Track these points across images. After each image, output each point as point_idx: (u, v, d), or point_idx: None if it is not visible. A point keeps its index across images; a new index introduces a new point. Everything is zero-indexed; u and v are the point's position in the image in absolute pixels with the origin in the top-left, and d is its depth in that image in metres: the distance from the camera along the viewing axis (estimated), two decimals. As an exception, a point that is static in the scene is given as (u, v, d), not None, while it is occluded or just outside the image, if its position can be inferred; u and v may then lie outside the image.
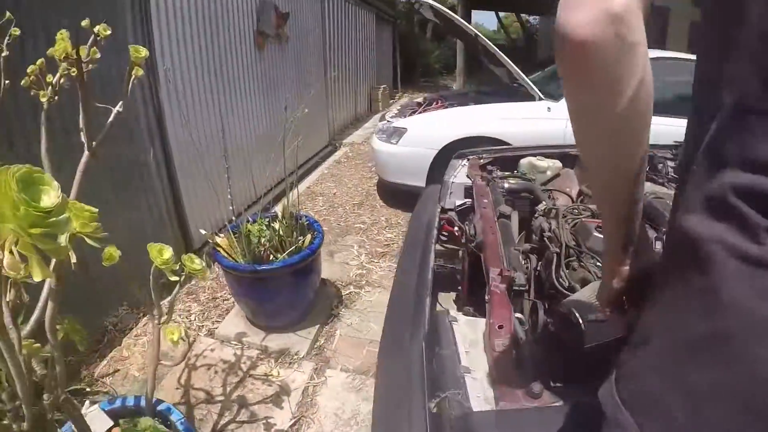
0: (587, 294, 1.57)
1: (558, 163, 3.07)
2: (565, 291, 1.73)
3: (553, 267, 1.84)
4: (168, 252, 1.35)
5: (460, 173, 2.80)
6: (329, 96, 7.58)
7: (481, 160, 2.94)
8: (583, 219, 2.20)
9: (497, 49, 4.70)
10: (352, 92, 9.34)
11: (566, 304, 1.57)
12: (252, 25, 4.55)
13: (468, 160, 2.96)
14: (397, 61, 14.23)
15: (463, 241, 2.26)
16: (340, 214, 4.79)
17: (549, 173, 3.04)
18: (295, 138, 3.09)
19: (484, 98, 4.94)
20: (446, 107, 4.89)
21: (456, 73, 14.46)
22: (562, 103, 4.59)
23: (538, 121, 4.50)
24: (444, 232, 2.55)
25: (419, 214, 2.66)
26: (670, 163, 3.25)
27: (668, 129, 4.88)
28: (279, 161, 3.10)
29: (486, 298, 1.54)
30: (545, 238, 2.06)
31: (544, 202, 2.38)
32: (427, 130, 4.49)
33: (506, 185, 2.52)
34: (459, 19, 4.75)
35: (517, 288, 1.62)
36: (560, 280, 1.83)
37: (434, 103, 5.16)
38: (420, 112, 4.85)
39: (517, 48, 20.91)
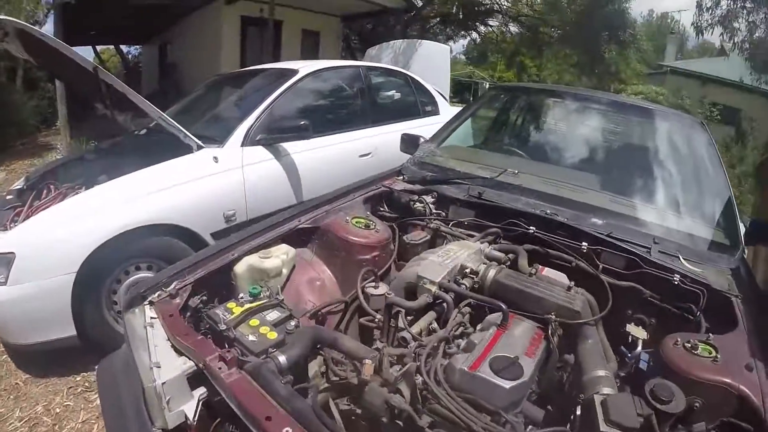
0: None
1: (290, 251, 1.95)
2: None
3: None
4: None
5: (159, 348, 1.42)
6: None
7: (177, 299, 1.60)
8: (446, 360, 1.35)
9: (127, 87, 3.18)
10: None
11: None
12: None
13: (154, 305, 1.58)
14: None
15: None
16: (-28, 427, 2.64)
17: (285, 271, 1.90)
18: None
19: (117, 163, 3.31)
20: (65, 195, 3.14)
21: (59, 127, 11.63)
22: (230, 146, 3.44)
23: (207, 180, 3.21)
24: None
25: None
26: (429, 198, 2.40)
27: (341, 147, 4.19)
28: None
29: None
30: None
31: (369, 361, 1.28)
32: (50, 244, 2.67)
33: (281, 360, 1.30)
34: (69, 48, 3.02)
35: None
36: None
37: (44, 191, 3.25)
38: (28, 215, 2.94)
39: (121, 83, 18.53)
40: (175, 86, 12.52)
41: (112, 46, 20.82)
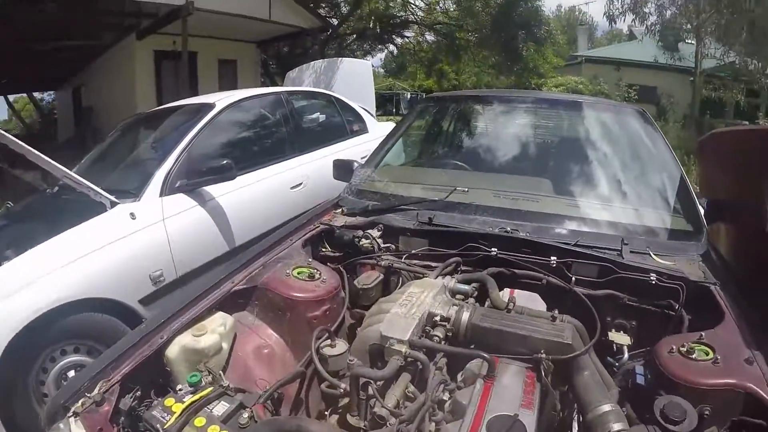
0: None
1: (227, 320, 1.65)
2: None
3: None
4: None
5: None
6: None
7: (104, 405, 1.31)
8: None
9: (23, 144, 2.79)
10: None
11: None
12: None
13: (79, 417, 1.27)
14: None
15: None
16: None
17: (225, 345, 1.59)
18: None
19: (26, 231, 3.00)
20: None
21: (-31, 191, 10.77)
22: (148, 198, 3.09)
23: (126, 241, 2.86)
24: None
25: None
26: (375, 233, 2.18)
27: (262, 186, 3.77)
28: None
29: None
30: None
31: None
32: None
33: None
34: None
35: None
36: None
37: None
38: None
39: (35, 134, 17.33)
40: (92, 131, 11.87)
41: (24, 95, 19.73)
